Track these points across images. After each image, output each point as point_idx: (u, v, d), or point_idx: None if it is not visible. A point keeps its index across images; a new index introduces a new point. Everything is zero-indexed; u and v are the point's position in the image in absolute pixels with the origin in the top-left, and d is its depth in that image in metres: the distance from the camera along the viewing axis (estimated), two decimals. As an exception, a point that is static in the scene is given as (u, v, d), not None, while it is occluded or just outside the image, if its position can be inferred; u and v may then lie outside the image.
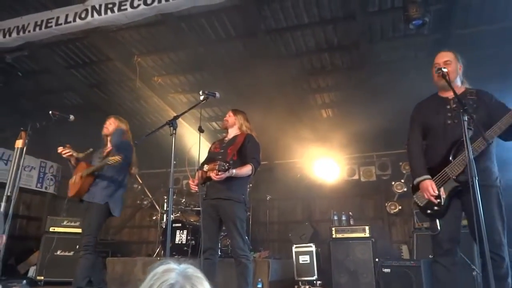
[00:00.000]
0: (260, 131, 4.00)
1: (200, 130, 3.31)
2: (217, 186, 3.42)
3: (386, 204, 6.73)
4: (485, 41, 4.65)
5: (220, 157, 3.49)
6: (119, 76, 6.11)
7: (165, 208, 6.34)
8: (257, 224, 7.09)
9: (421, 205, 2.72)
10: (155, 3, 3.89)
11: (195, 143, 3.25)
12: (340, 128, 6.06)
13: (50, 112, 3.55)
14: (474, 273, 4.08)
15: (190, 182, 3.60)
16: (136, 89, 6.18)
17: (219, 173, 3.20)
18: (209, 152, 3.78)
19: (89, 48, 5.65)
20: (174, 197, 6.08)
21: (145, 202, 7.83)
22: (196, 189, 3.51)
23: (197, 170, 3.59)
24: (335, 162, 6.91)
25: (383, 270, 4.68)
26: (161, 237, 5.82)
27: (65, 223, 5.80)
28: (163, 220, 6.38)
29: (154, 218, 7.15)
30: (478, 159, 2.45)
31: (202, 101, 3.29)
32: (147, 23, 4.85)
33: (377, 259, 4.93)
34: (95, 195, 3.80)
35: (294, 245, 5.56)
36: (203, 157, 3.66)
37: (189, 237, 5.33)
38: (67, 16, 4.35)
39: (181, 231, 5.44)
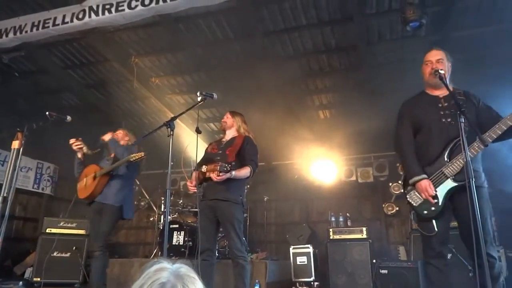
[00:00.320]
0: (258, 132, 4.01)
1: (198, 131, 3.31)
2: (215, 187, 3.42)
3: (384, 205, 6.74)
4: (482, 43, 4.68)
5: (218, 158, 3.50)
6: (117, 77, 6.09)
7: (162, 209, 6.32)
8: (254, 225, 7.09)
9: (416, 205, 2.66)
10: (153, 4, 3.88)
11: (190, 142, 3.25)
12: (337, 129, 6.07)
13: (47, 113, 3.53)
14: (471, 274, 4.09)
15: (188, 183, 3.59)
16: (133, 90, 6.16)
17: (220, 174, 3.20)
18: (206, 152, 3.78)
19: (86, 48, 5.64)
20: (172, 198, 6.08)
21: (142, 203, 7.81)
22: (195, 190, 3.51)
23: (193, 170, 3.59)
24: (332, 163, 6.92)
25: (380, 271, 4.69)
26: (158, 238, 5.81)
27: (61, 224, 5.77)
28: (160, 221, 6.36)
29: (151, 219, 7.14)
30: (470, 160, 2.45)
31: (200, 102, 3.29)
32: (144, 24, 4.85)
33: (374, 260, 4.95)
34: (109, 197, 3.85)
35: (292, 246, 5.56)
36: (200, 158, 3.66)
37: (186, 238, 5.32)
38: (64, 16, 4.33)
39: (179, 232, 5.43)
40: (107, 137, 3.98)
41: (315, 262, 5.38)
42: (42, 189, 7.46)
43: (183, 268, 1.04)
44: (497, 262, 2.46)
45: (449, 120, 2.61)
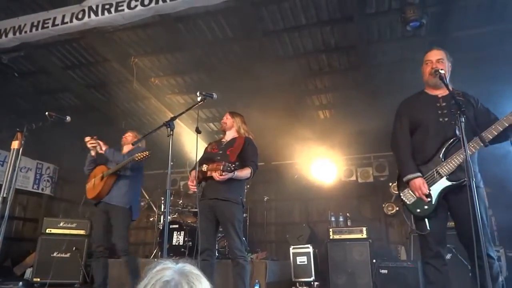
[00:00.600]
0: (258, 132, 4.01)
1: (198, 131, 3.30)
2: (215, 186, 3.42)
3: (384, 205, 6.74)
4: (482, 43, 4.67)
5: (218, 158, 3.50)
6: (116, 77, 6.09)
7: (162, 209, 6.32)
8: (254, 225, 7.08)
9: (409, 203, 2.67)
10: (152, 4, 3.88)
11: (194, 147, 3.26)
12: (337, 129, 6.06)
13: (47, 113, 3.53)
14: (471, 274, 4.08)
15: (189, 181, 3.60)
16: (133, 90, 6.16)
17: (223, 173, 3.21)
18: (206, 152, 3.78)
19: (85, 49, 5.63)
20: (171, 198, 6.08)
21: (142, 204, 7.79)
22: (195, 189, 3.51)
23: (192, 170, 3.60)
24: (332, 163, 6.92)
25: (380, 271, 4.69)
26: (158, 239, 5.81)
27: (61, 224, 5.77)
28: (160, 221, 6.36)
29: (151, 219, 7.13)
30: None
31: (200, 102, 3.29)
32: (144, 24, 4.84)
33: (374, 260, 4.95)
34: (117, 198, 3.89)
35: (292, 246, 5.56)
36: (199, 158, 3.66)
37: (186, 238, 5.32)
38: (63, 16, 4.33)
39: (178, 232, 5.43)
40: (103, 148, 3.99)
41: (315, 262, 5.38)
42: (42, 189, 7.45)
43: (187, 266, 1.04)
44: (496, 262, 2.46)
45: (446, 119, 2.61)
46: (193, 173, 3.53)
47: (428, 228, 2.56)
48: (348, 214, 6.16)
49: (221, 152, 3.59)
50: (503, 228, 4.85)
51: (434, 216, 2.58)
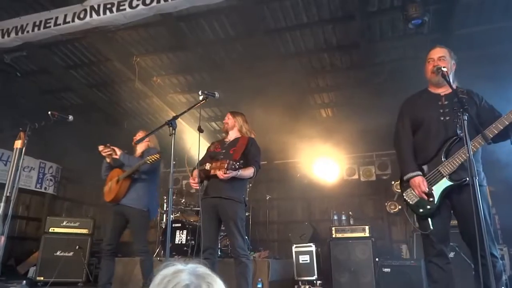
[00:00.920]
0: (260, 131, 4.00)
1: (200, 130, 3.30)
2: (218, 184, 3.42)
3: (386, 203, 6.73)
4: (484, 41, 4.65)
5: (221, 157, 3.51)
6: (118, 77, 6.09)
7: (164, 208, 6.33)
8: (257, 224, 7.08)
9: (412, 203, 2.65)
10: (154, 3, 3.88)
11: (193, 144, 3.26)
12: (339, 127, 6.05)
13: (49, 112, 3.53)
14: (474, 272, 4.07)
15: (191, 180, 3.60)
16: (135, 89, 6.17)
17: (228, 172, 3.21)
18: (208, 151, 3.78)
19: (88, 48, 5.64)
20: (174, 197, 6.09)
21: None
22: (197, 187, 3.51)
23: (194, 168, 3.60)
24: (334, 161, 6.91)
25: (383, 270, 4.68)
26: (160, 237, 5.81)
27: (64, 223, 5.79)
28: (162, 220, 6.37)
29: (153, 218, 7.13)
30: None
31: (202, 101, 3.28)
32: (146, 23, 4.84)
33: (377, 259, 4.93)
34: (135, 201, 3.90)
35: (294, 245, 5.55)
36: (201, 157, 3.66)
37: (188, 237, 5.32)
38: (65, 16, 4.33)
39: (181, 231, 5.43)
40: (118, 153, 4.00)
41: (317, 260, 5.37)
42: (45, 188, 7.48)
43: (200, 267, 1.02)
44: (499, 261, 2.45)
45: (448, 118, 2.60)
46: (195, 171, 3.54)
47: (431, 227, 2.55)
48: (350, 213, 6.14)
49: (224, 151, 3.60)
50: (507, 226, 4.84)
51: (437, 215, 2.57)
